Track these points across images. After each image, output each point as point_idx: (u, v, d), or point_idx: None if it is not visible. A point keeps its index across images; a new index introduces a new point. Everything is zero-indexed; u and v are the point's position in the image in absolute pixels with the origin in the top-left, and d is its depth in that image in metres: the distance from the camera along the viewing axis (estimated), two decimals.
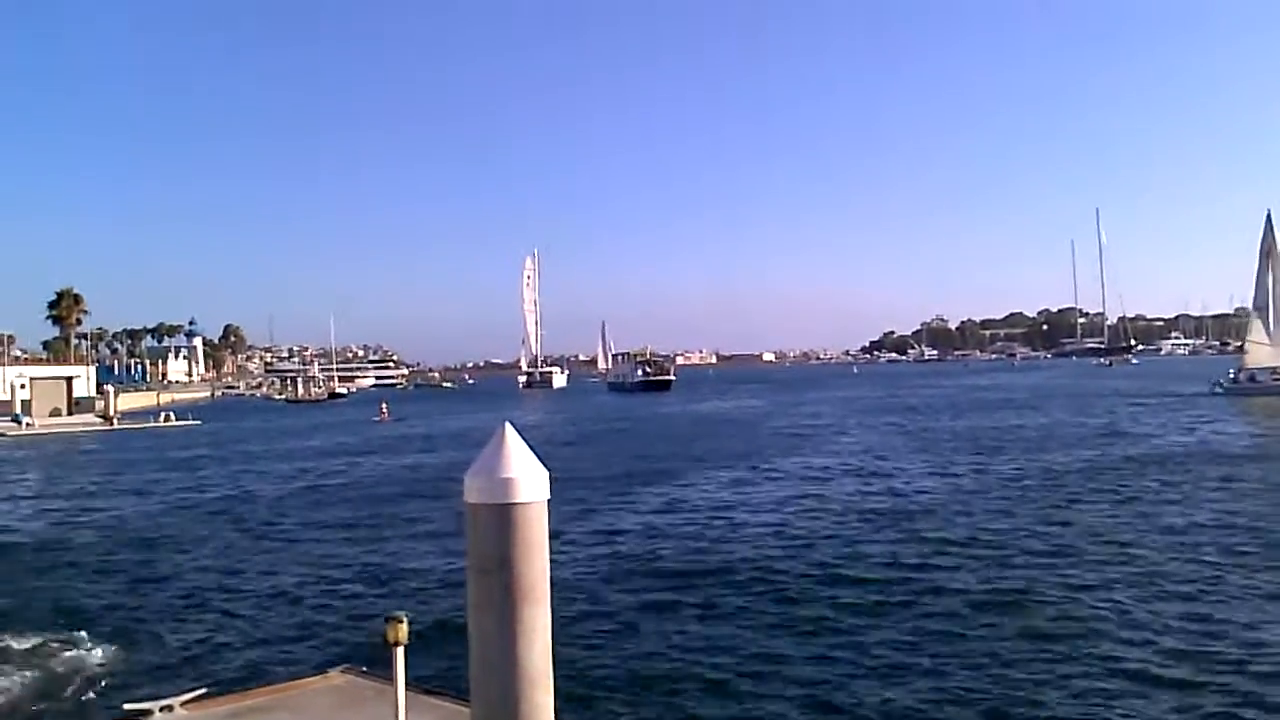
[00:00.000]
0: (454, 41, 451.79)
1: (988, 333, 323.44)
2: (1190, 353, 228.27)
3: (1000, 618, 11.62)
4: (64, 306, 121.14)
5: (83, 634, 12.05)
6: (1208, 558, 14.56)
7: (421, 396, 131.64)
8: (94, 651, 11.36)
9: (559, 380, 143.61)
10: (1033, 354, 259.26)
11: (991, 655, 10.22)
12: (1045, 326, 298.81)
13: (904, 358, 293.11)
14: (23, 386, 78.76)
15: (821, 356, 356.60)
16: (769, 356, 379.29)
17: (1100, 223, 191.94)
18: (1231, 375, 57.98)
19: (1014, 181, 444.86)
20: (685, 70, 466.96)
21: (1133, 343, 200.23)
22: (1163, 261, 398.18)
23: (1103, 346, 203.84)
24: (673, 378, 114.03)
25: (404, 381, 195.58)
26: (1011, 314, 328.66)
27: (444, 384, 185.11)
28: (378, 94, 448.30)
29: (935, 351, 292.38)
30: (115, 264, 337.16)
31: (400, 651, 5.18)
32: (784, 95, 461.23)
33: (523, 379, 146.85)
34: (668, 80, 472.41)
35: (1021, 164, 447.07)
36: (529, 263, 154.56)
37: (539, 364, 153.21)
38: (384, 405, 73.01)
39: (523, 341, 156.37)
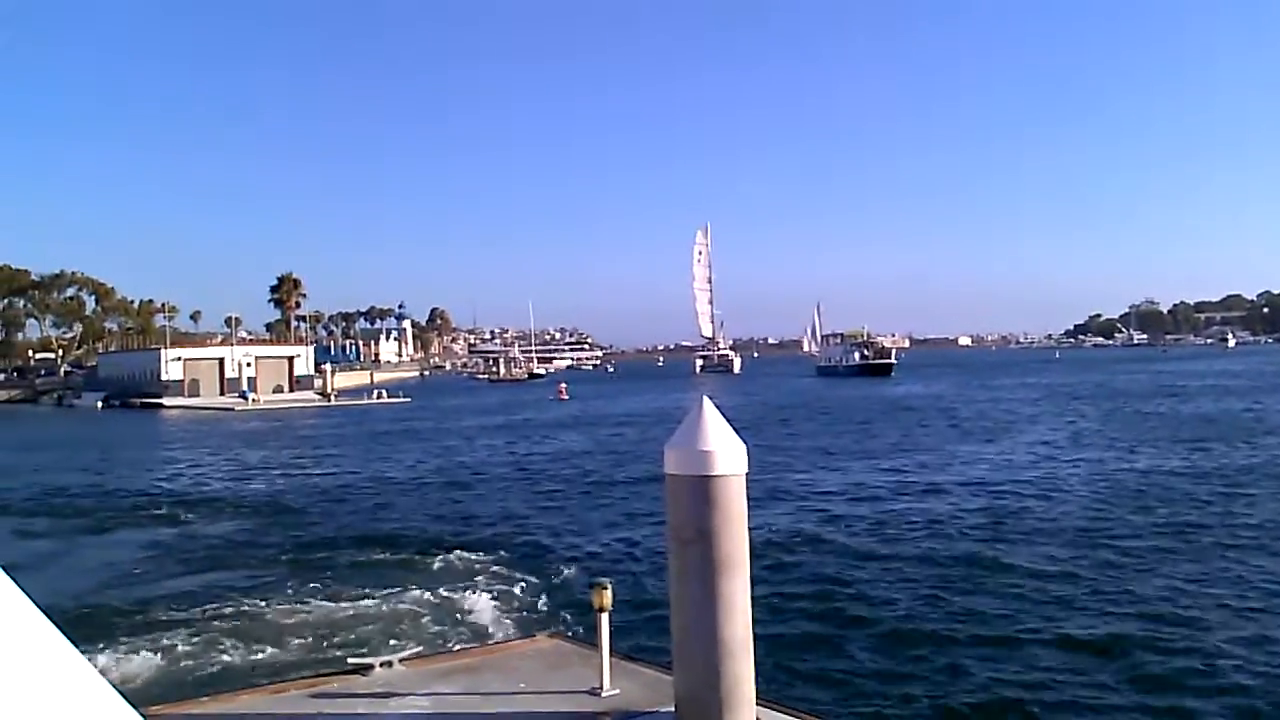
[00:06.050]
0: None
1: (1202, 316, 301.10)
2: None
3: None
4: (284, 290, 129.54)
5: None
6: None
7: (598, 379, 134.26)
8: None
9: (736, 364, 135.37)
10: (1252, 339, 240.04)
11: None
12: (1266, 309, 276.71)
13: (1110, 342, 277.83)
14: (249, 365, 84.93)
15: (1021, 340, 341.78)
16: (965, 340, 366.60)
17: None
18: None
19: (1239, 149, 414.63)
20: (877, 51, 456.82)
21: None
22: None
23: None
24: (894, 361, 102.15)
25: (601, 362, 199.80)
26: (1229, 296, 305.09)
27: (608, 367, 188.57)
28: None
29: (1144, 336, 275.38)
30: (331, 251, 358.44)
31: (605, 617, 5.30)
32: (978, 76, 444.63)
33: (699, 362, 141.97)
34: (859, 63, 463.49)
35: (1250, 128, 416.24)
36: (700, 237, 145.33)
37: (714, 346, 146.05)
38: (562, 386, 79.42)
39: (711, 321, 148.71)
